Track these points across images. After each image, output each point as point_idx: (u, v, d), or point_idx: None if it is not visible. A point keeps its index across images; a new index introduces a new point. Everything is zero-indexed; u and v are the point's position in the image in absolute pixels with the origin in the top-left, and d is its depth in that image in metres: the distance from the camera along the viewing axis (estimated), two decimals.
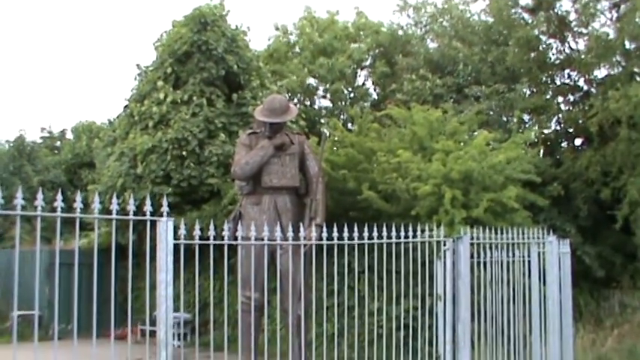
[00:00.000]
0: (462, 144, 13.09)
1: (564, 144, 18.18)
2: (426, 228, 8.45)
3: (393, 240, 7.73)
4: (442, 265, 8.50)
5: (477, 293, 8.73)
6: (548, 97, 18.17)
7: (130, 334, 6.07)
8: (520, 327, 9.49)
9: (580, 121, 17.20)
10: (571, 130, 17.93)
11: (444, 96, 18.64)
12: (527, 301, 9.82)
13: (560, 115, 18.10)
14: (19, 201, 4.72)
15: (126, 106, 17.89)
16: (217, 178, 15.78)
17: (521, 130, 16.26)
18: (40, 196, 4.83)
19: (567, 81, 18.44)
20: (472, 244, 8.62)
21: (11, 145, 27.05)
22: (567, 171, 16.34)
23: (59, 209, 4.96)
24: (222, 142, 15.97)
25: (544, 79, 18.55)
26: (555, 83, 18.64)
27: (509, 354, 9.24)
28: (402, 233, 7.81)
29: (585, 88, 17.98)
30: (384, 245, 7.72)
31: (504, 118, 17.96)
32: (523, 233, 9.49)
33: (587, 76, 17.80)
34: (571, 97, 18.31)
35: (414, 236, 7.97)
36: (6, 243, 21.22)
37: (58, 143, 33.28)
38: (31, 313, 14.59)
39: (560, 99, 18.43)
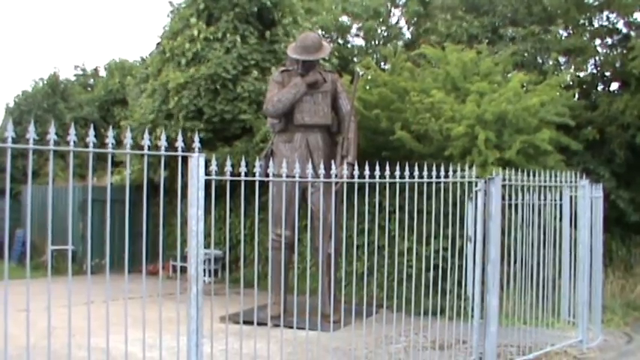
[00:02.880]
0: (496, 85, 12.89)
1: (600, 87, 17.81)
2: (458, 168, 8.37)
3: (425, 180, 7.66)
4: (473, 206, 8.42)
5: (507, 235, 8.66)
6: (585, 39, 17.75)
7: (162, 270, 6.11)
8: (550, 270, 9.44)
9: (617, 65, 16.82)
10: (608, 74, 17.53)
11: (479, 36, 18.30)
12: (558, 244, 9.75)
13: (597, 58, 17.70)
14: (52, 136, 4.70)
15: (158, 44, 17.82)
16: (250, 114, 15.74)
17: (556, 73, 15.96)
18: (72, 131, 4.80)
19: (606, 23, 17.96)
20: (504, 186, 8.52)
21: (45, 83, 27.17)
22: (603, 115, 16.04)
23: (91, 144, 4.93)
24: (255, 78, 15.87)
25: (581, 20, 18.11)
26: (593, 25, 18.17)
27: (537, 297, 9.21)
28: (434, 173, 7.73)
29: (624, 30, 17.51)
30: (416, 185, 7.66)
31: (539, 60, 17.60)
32: (555, 176, 9.37)
33: (626, 19, 17.32)
34: (609, 40, 17.85)
35: (446, 176, 7.90)
36: (41, 179, 21.50)
37: (91, 81, 33.35)
38: (65, 247, 14.83)
39: (598, 41, 17.99)
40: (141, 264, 5.84)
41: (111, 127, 5.41)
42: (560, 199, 9.83)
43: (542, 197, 9.26)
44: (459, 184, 8.29)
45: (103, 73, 32.85)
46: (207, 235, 5.99)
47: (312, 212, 10.76)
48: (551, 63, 17.06)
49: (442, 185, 7.97)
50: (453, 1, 20.44)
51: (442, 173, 7.80)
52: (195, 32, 16.19)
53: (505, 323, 9.35)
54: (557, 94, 13.90)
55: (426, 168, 7.67)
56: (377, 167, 7.15)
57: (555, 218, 9.64)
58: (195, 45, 16.09)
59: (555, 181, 9.37)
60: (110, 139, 5.04)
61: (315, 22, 19.85)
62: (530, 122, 12.08)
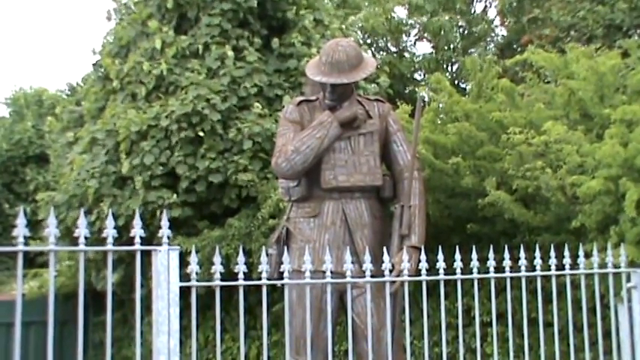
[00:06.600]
0: None
1: None
2: (595, 250, 8.32)
3: (538, 272, 7.63)
4: (626, 314, 8.36)
5: None
6: None
7: None
8: None
9: None
10: None
11: (624, 27, 18.30)
12: None
13: None
14: None
15: (97, 64, 17.93)
16: (251, 173, 15.71)
17: None
18: None
19: None
20: None
21: None
22: None
23: None
24: (258, 115, 15.88)
25: None
26: None
27: None
28: (554, 260, 7.70)
29: None
30: (523, 280, 7.63)
31: None
32: None
33: None
34: None
35: (575, 264, 7.86)
36: None
37: None
38: None
39: None
40: None
41: (22, 205, 5.47)
42: None
43: None
44: (596, 277, 8.25)
45: (4, 111, 33.05)
46: None
47: (356, 328, 10.71)
48: None
49: (568, 279, 7.93)
50: None
51: (567, 259, 7.76)
52: (159, 44, 16.29)
53: None
54: None
55: (538, 251, 7.63)
56: (458, 252, 7.15)
57: None
58: (160, 65, 16.17)
59: None
60: (21, 228, 5.04)
61: (352, 21, 19.93)
62: None
